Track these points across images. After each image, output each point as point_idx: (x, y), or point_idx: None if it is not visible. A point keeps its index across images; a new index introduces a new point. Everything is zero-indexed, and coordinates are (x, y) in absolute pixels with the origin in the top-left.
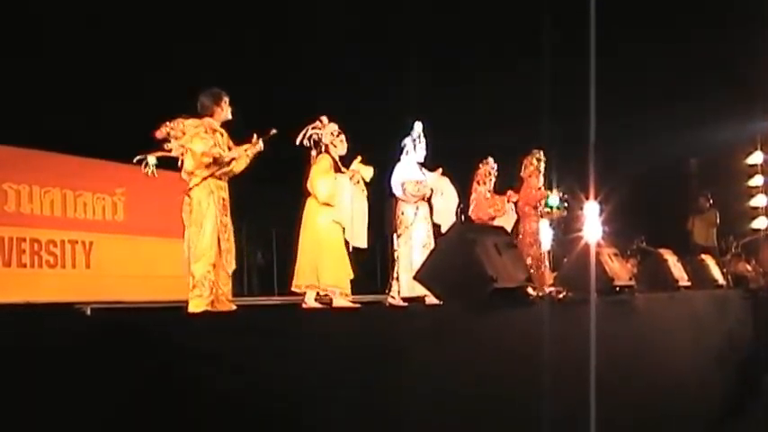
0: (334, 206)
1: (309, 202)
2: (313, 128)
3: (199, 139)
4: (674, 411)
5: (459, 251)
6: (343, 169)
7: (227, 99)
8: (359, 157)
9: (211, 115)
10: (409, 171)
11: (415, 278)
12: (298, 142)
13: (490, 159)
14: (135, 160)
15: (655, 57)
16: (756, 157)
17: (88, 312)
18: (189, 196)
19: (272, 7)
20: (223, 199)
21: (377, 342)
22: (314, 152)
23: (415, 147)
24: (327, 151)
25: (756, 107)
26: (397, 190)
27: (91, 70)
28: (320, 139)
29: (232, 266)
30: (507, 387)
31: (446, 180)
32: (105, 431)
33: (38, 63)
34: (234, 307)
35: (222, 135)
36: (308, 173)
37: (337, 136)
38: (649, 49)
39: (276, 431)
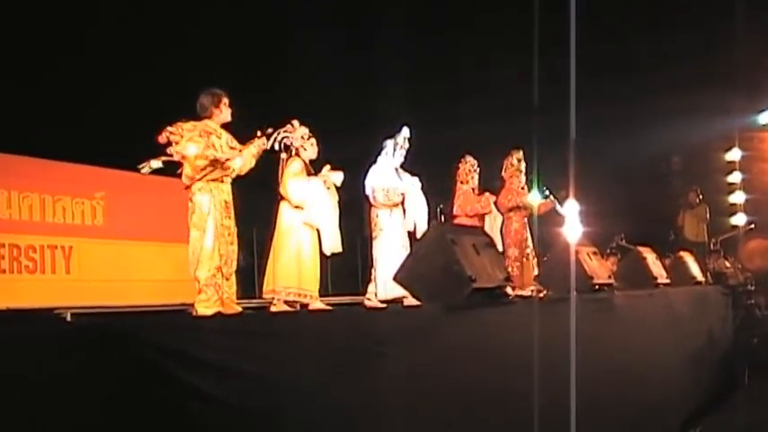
0: (305, 209)
1: (282, 206)
2: (284, 131)
3: (192, 143)
4: (654, 407)
5: (437, 252)
6: (313, 173)
7: (226, 101)
8: (328, 165)
9: (209, 117)
10: (382, 176)
11: (394, 279)
12: (268, 146)
13: (468, 157)
14: (140, 167)
15: (635, 51)
16: (734, 154)
17: (68, 318)
18: (191, 201)
19: (248, 11)
20: (225, 201)
21: (362, 342)
22: (284, 155)
23: (394, 151)
24: (298, 155)
25: (734, 103)
26: (369, 193)
27: (69, 74)
28: (291, 143)
29: (232, 269)
30: (488, 386)
31: (417, 189)
32: None
33: (16, 68)
34: (240, 309)
35: (220, 137)
36: (280, 177)
37: (307, 139)
38: (628, 45)
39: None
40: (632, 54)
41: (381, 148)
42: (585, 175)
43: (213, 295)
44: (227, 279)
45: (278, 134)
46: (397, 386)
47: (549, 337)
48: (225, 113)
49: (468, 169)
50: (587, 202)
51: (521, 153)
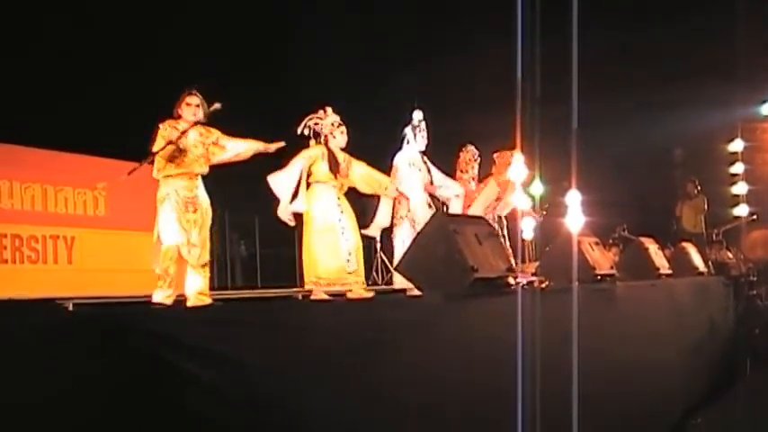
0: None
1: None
2: (316, 117)
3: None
4: (655, 398)
5: (439, 241)
6: (341, 158)
7: (192, 100)
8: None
9: (179, 116)
10: (405, 163)
11: (395, 269)
12: (299, 132)
13: (470, 146)
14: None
15: (636, 43)
16: (737, 145)
17: (70, 308)
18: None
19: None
20: (186, 197)
21: (363, 332)
22: (312, 142)
23: (415, 136)
24: (326, 142)
25: (737, 94)
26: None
27: (71, 65)
28: (320, 130)
29: (201, 260)
30: (489, 375)
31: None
32: (89, 428)
33: (17, 59)
34: (209, 301)
35: (186, 136)
36: None
37: (337, 127)
38: (631, 34)
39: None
40: (634, 45)
41: (402, 137)
42: (588, 165)
43: (165, 285)
44: (201, 268)
45: (309, 120)
46: (398, 375)
47: (551, 327)
48: (186, 113)
49: (469, 159)
50: (589, 193)
51: (514, 155)
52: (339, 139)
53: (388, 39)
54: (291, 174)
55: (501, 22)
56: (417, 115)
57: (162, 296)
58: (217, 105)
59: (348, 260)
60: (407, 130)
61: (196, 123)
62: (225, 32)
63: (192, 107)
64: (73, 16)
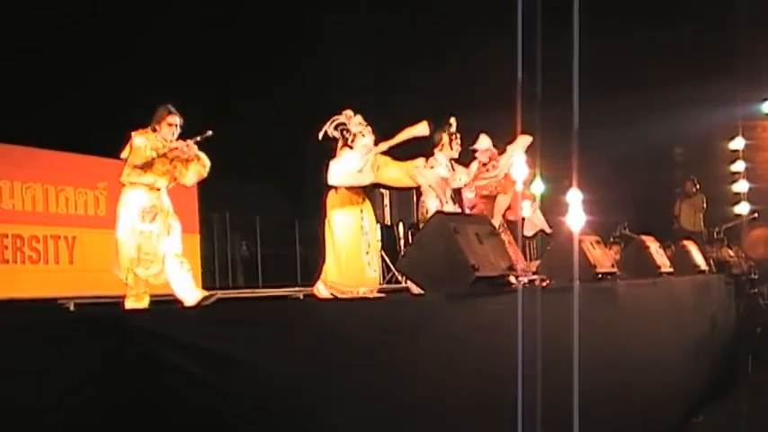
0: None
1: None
2: (344, 117)
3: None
4: (656, 396)
5: (440, 241)
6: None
7: (174, 120)
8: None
9: (157, 130)
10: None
11: (396, 268)
12: (321, 135)
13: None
14: None
15: (637, 41)
16: (738, 143)
17: (72, 307)
18: None
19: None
20: (142, 207)
21: (363, 331)
22: (340, 143)
23: (451, 142)
24: (353, 141)
25: (738, 92)
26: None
27: (71, 65)
28: (348, 130)
29: (151, 271)
30: (490, 374)
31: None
32: (89, 428)
33: (17, 59)
34: (206, 293)
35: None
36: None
37: (366, 126)
38: (632, 33)
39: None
40: (636, 43)
41: (437, 142)
42: (589, 164)
43: (130, 292)
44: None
45: (331, 122)
46: (400, 373)
47: (552, 325)
48: (165, 131)
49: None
50: (591, 192)
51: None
52: (368, 138)
53: (387, 39)
54: (351, 157)
55: (502, 22)
56: (454, 122)
57: (129, 303)
58: (208, 133)
59: (369, 265)
60: (444, 135)
61: (198, 141)
62: (229, 37)
63: (174, 127)
64: (75, 14)
